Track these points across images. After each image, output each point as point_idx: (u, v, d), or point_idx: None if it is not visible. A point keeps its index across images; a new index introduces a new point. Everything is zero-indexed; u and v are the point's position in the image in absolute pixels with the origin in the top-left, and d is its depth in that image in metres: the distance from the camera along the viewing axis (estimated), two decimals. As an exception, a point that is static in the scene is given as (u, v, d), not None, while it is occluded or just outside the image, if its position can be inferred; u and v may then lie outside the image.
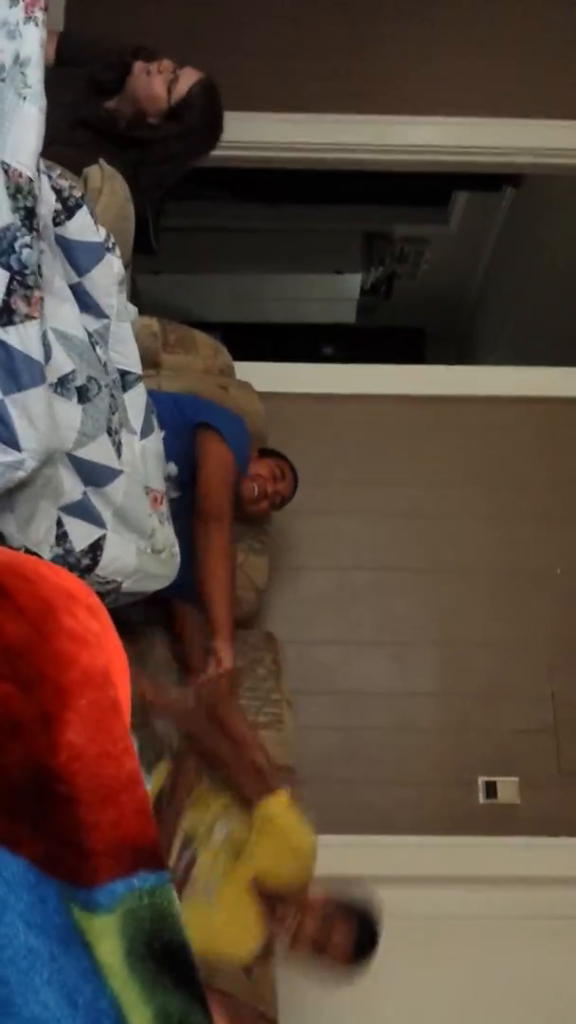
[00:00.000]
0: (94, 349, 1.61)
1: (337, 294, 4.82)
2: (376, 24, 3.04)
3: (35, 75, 1.33)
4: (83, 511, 1.54)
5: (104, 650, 0.80)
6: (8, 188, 1.32)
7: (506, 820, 2.55)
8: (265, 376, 2.69)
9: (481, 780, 2.56)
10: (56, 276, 1.55)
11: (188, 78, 2.43)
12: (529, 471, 2.83)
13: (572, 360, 3.02)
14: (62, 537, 1.51)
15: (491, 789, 2.55)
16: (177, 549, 1.84)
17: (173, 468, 2.15)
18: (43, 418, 1.34)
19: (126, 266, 1.89)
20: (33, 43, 1.34)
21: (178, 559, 1.83)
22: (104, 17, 2.89)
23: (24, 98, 1.32)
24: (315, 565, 2.73)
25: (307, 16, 3.04)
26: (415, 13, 3.05)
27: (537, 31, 3.05)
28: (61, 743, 0.68)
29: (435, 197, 4.40)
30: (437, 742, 2.60)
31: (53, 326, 1.50)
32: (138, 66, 2.36)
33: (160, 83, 2.38)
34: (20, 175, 1.32)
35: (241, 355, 2.70)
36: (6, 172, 1.31)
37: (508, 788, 2.56)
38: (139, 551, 1.66)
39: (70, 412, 1.49)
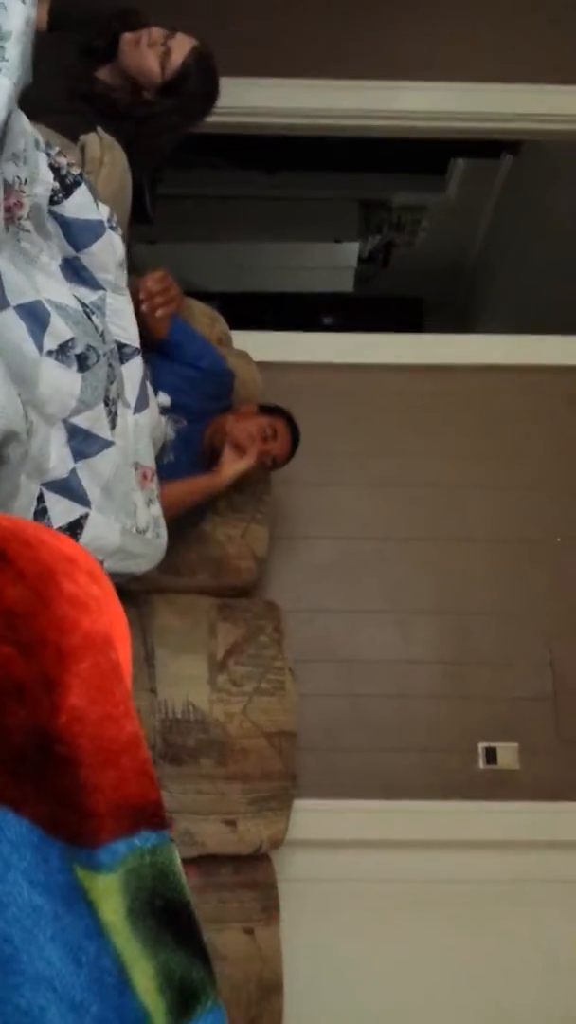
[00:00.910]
0: (90, 319, 1.60)
1: (335, 263, 4.78)
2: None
3: (14, 50, 1.32)
4: (67, 488, 1.52)
5: (105, 614, 0.81)
6: None
7: (506, 785, 2.58)
8: (263, 345, 2.68)
9: (481, 746, 2.58)
10: (42, 253, 1.54)
11: (181, 48, 2.38)
12: (529, 440, 2.83)
13: (572, 328, 3.00)
14: (41, 513, 1.49)
15: (491, 755, 2.58)
16: (164, 531, 1.81)
17: (165, 398, 2.14)
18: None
19: (123, 237, 1.88)
20: (17, 18, 1.34)
21: (163, 540, 1.80)
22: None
23: None
24: (316, 535, 2.73)
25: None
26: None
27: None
28: (63, 706, 0.69)
29: (432, 164, 4.36)
30: (438, 709, 2.62)
31: (47, 297, 1.50)
32: (127, 39, 2.31)
33: (152, 57, 2.34)
34: None
35: (239, 324, 2.69)
36: None
37: (508, 754, 2.58)
38: (123, 530, 1.65)
39: (70, 379, 1.48)
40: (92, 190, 1.67)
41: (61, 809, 0.64)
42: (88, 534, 1.56)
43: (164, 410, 2.14)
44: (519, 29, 2.98)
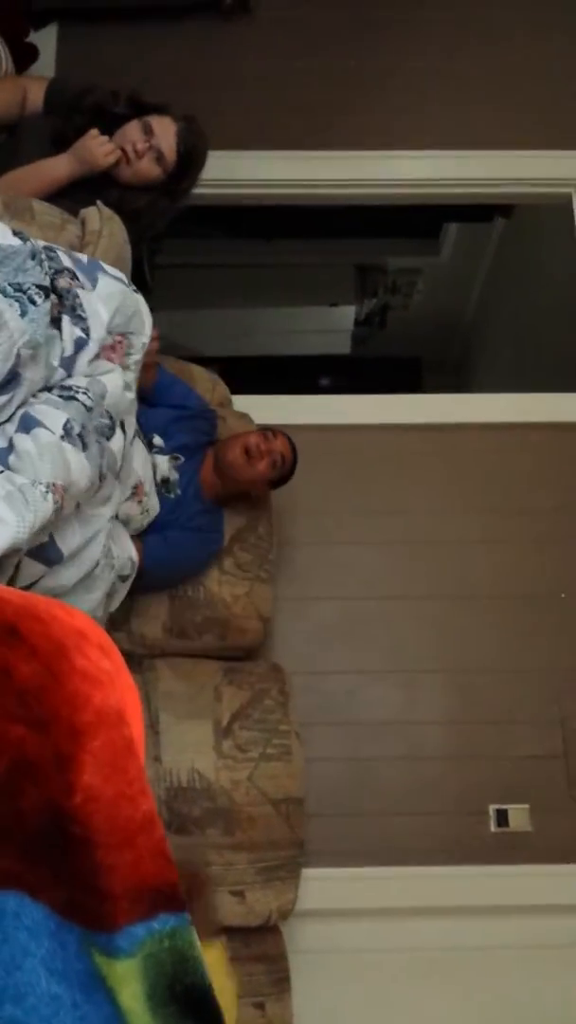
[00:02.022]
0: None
1: (332, 326, 4.86)
2: (362, 60, 3.09)
3: None
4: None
5: (117, 689, 0.80)
6: None
7: (518, 848, 2.53)
8: (263, 408, 2.70)
9: (492, 808, 2.54)
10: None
11: (168, 140, 2.46)
12: (530, 496, 2.84)
13: (567, 386, 3.04)
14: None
15: (502, 817, 2.53)
16: None
17: (158, 440, 2.25)
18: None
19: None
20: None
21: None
22: (95, 58, 2.93)
23: None
24: (318, 595, 2.72)
25: (296, 54, 3.09)
26: (400, 47, 3.10)
27: (521, 63, 3.09)
28: (77, 785, 0.68)
29: (426, 229, 4.45)
30: (447, 771, 2.58)
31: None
32: (117, 170, 2.40)
33: (149, 164, 2.42)
34: None
35: (238, 388, 2.72)
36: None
37: (519, 816, 2.54)
38: None
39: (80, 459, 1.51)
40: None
41: (78, 892, 0.63)
42: None
43: (161, 450, 2.24)
44: (507, 98, 3.07)
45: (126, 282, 1.74)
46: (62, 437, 1.47)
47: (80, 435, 1.50)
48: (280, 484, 2.39)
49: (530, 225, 4.01)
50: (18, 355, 1.43)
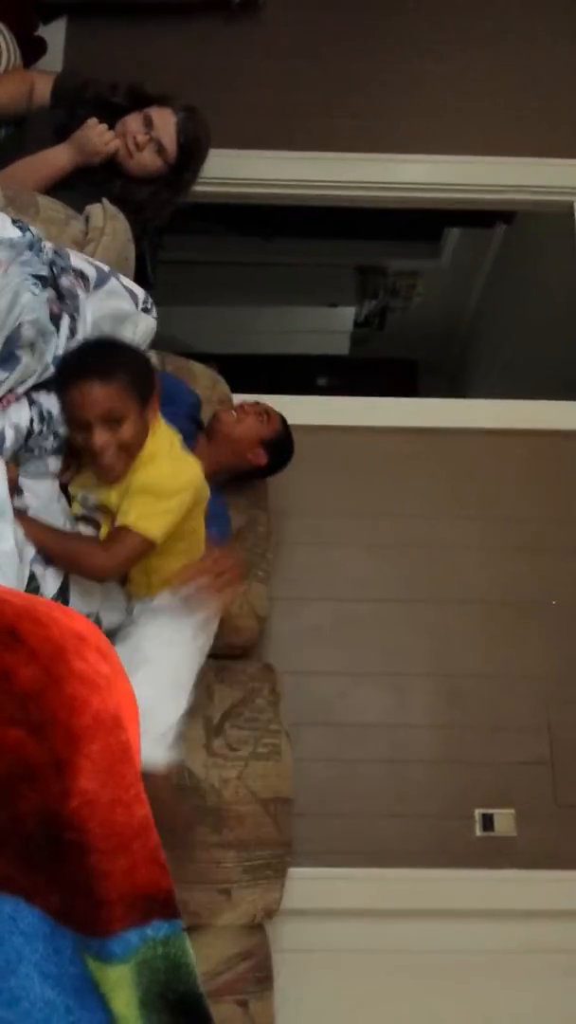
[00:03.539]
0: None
1: (331, 327, 4.86)
2: (368, 63, 3.09)
3: None
4: None
5: (114, 693, 0.81)
6: None
7: (503, 853, 2.54)
8: (261, 408, 2.70)
9: (478, 812, 2.55)
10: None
11: (168, 131, 2.45)
12: (523, 503, 2.85)
13: (563, 393, 3.05)
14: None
15: (488, 821, 2.54)
16: None
17: None
18: None
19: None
20: None
21: None
22: (103, 53, 2.93)
23: None
24: (311, 596, 2.73)
25: (299, 55, 3.09)
26: (406, 52, 3.10)
27: (526, 70, 3.10)
28: (73, 789, 0.68)
29: (427, 232, 4.46)
30: (434, 774, 2.59)
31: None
32: (119, 155, 2.39)
33: (150, 156, 2.42)
34: None
35: (237, 387, 2.72)
36: None
37: (505, 820, 2.55)
38: None
39: None
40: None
41: (72, 897, 0.63)
42: None
43: None
44: (511, 103, 3.08)
45: (133, 305, 1.75)
46: None
47: None
48: (278, 458, 2.37)
49: (531, 232, 4.02)
50: (19, 333, 1.43)
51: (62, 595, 1.64)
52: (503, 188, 3.05)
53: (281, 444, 2.37)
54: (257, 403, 2.36)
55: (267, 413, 2.33)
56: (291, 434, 2.38)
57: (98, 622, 1.71)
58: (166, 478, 1.70)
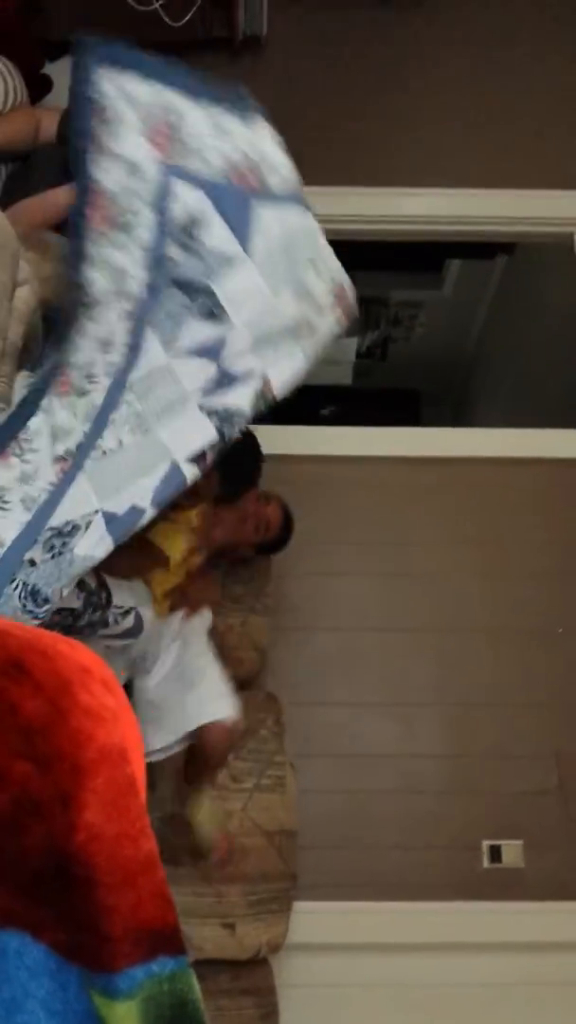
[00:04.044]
0: None
1: (334, 357, 4.88)
2: (369, 98, 3.13)
3: None
4: None
5: (120, 726, 0.81)
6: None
7: (511, 885, 2.52)
8: (264, 438, 2.71)
9: (486, 844, 2.53)
10: None
11: None
12: (526, 531, 2.85)
13: (565, 422, 3.06)
14: None
15: (496, 853, 2.52)
16: None
17: None
18: None
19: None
20: None
21: None
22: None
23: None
24: (317, 626, 2.73)
25: (302, 90, 3.13)
26: (409, 87, 3.14)
27: (525, 103, 3.14)
28: (79, 823, 0.68)
29: (429, 263, 4.50)
30: (441, 805, 2.57)
31: None
32: None
33: None
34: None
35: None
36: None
37: (513, 852, 2.53)
38: None
39: None
40: None
41: (78, 933, 0.63)
42: None
43: None
44: (510, 137, 3.11)
45: None
46: None
47: None
48: (273, 550, 2.38)
49: (532, 263, 4.05)
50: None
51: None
52: (504, 220, 3.07)
53: (273, 544, 2.36)
54: (268, 506, 2.31)
55: (268, 523, 2.30)
56: (291, 529, 2.36)
57: (139, 617, 1.80)
58: None
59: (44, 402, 1.52)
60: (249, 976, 2.21)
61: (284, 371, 1.55)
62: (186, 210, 1.56)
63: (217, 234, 1.54)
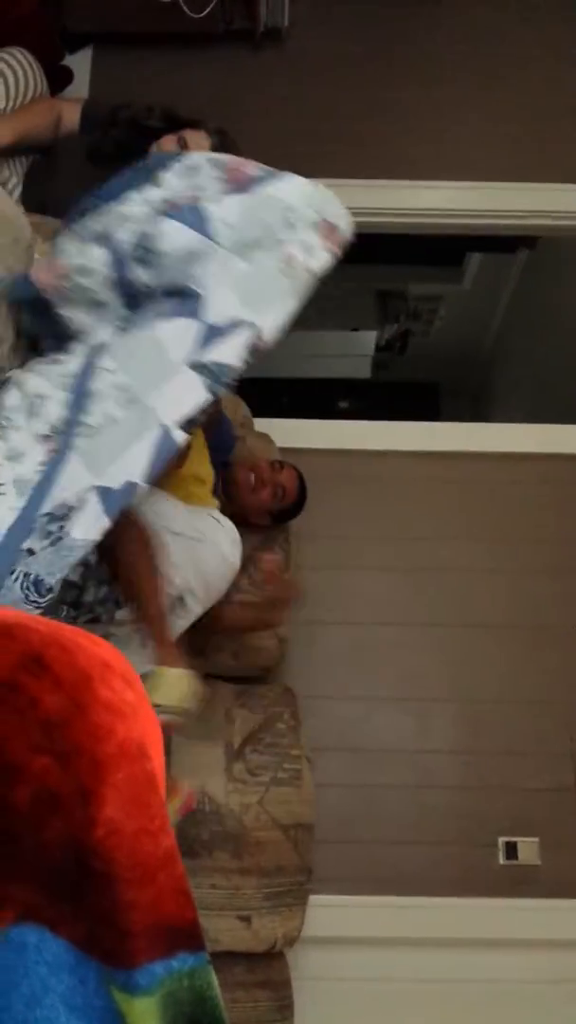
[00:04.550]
0: None
1: (353, 350, 4.88)
2: (390, 90, 3.12)
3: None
4: None
5: (139, 721, 0.81)
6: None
7: (527, 882, 2.51)
8: (282, 432, 2.72)
9: (501, 841, 2.53)
10: None
11: (201, 150, 2.49)
12: (544, 526, 2.84)
13: (585, 416, 3.04)
14: None
15: (511, 850, 2.52)
16: None
17: None
18: None
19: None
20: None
21: None
22: (128, 82, 2.96)
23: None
24: (333, 620, 2.73)
25: (322, 83, 3.12)
26: (429, 80, 3.13)
27: (547, 96, 3.12)
28: (99, 819, 0.68)
29: (449, 257, 4.48)
30: (457, 801, 2.57)
31: None
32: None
33: None
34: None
35: (259, 410, 2.74)
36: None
37: (529, 849, 2.53)
38: None
39: None
40: None
41: (98, 928, 0.63)
42: None
43: None
44: (533, 129, 3.09)
45: None
46: None
47: None
48: (285, 519, 2.41)
49: (553, 257, 4.02)
50: None
51: None
52: (525, 214, 3.06)
53: (289, 511, 2.41)
54: (282, 471, 2.36)
55: (284, 490, 2.34)
56: (305, 496, 2.40)
57: None
58: None
59: (14, 375, 1.50)
60: (265, 969, 2.21)
61: (275, 316, 1.49)
62: (131, 232, 1.54)
63: (172, 238, 1.51)
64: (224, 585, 2.03)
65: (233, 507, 2.34)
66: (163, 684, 1.70)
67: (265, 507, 2.35)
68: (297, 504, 2.40)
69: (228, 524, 2.07)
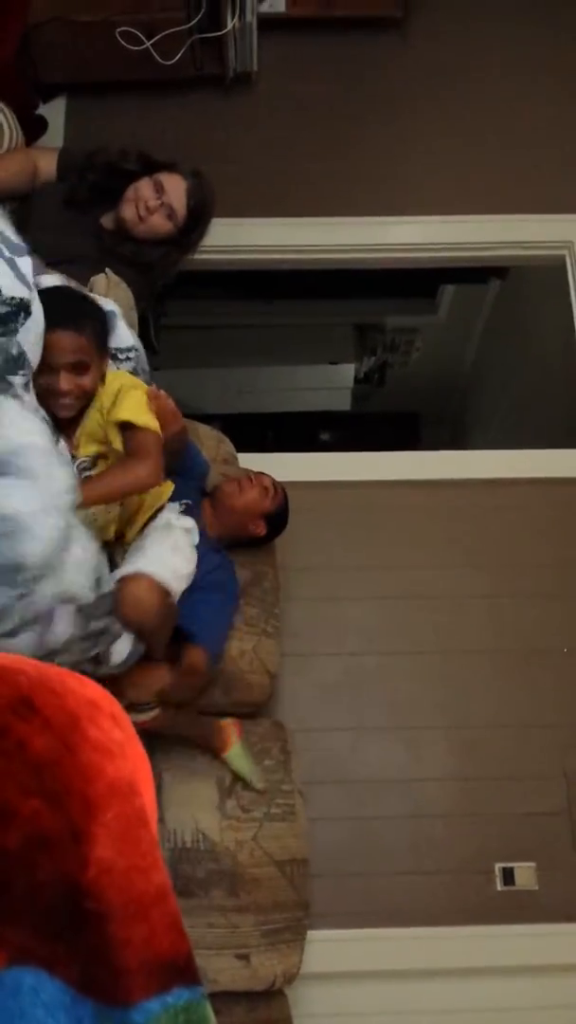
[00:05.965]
0: None
1: (332, 383, 4.93)
2: (359, 127, 3.18)
3: None
4: None
5: (128, 758, 0.82)
6: None
7: (525, 907, 2.50)
8: (265, 466, 2.72)
9: (498, 867, 2.52)
10: None
11: (178, 196, 2.54)
12: (528, 551, 2.86)
13: (561, 442, 3.08)
14: None
15: (508, 875, 2.51)
16: None
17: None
18: None
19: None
20: None
21: None
22: (102, 130, 3.02)
23: None
24: (321, 651, 2.73)
25: (292, 125, 3.18)
26: (395, 117, 3.20)
27: (514, 131, 3.19)
28: (91, 858, 0.69)
29: (423, 289, 4.55)
30: (452, 829, 2.56)
31: None
32: (128, 213, 2.48)
33: (161, 220, 2.50)
34: None
35: (241, 445, 2.76)
36: None
37: (526, 874, 2.52)
38: None
39: None
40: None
41: (92, 967, 0.64)
42: None
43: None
44: (499, 163, 3.16)
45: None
46: None
47: None
48: (278, 523, 2.43)
49: (525, 285, 4.09)
50: None
51: None
52: (495, 245, 3.11)
53: (281, 516, 2.43)
54: (262, 475, 2.42)
55: (272, 487, 2.39)
56: (287, 505, 2.45)
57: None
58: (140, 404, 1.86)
59: None
60: (266, 1008, 2.19)
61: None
62: None
63: None
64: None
65: (224, 528, 2.36)
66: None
67: (257, 506, 2.36)
68: (285, 508, 2.42)
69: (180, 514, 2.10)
